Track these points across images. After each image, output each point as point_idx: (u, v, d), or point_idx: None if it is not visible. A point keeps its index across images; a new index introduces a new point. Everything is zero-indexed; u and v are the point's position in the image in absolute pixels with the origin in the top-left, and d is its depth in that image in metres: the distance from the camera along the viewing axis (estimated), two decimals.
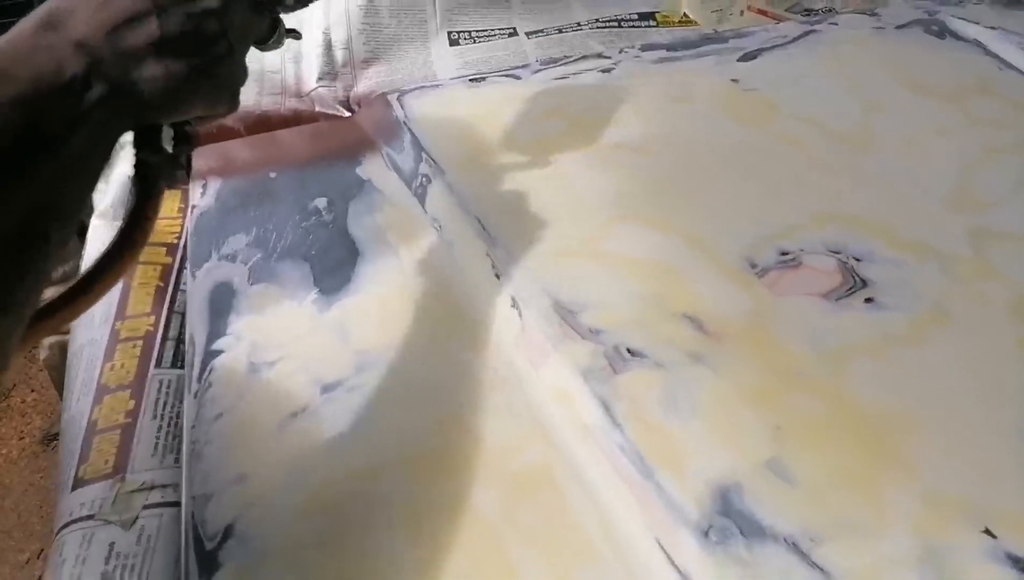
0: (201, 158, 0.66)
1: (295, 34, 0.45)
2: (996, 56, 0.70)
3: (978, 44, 0.72)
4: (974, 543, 0.35)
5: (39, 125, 0.28)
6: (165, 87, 0.33)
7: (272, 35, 0.43)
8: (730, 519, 0.36)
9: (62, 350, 0.63)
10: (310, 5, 0.44)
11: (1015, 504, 0.37)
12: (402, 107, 0.66)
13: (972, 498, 0.37)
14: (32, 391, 1.30)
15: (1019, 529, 0.35)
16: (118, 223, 0.57)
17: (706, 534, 0.35)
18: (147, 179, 0.36)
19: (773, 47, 0.72)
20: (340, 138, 0.67)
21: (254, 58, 0.70)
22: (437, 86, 0.70)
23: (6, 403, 1.29)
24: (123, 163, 0.64)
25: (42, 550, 1.07)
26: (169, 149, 0.36)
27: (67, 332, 0.53)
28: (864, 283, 0.48)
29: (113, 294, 0.51)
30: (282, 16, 0.43)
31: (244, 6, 0.38)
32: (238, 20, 0.37)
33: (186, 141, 0.38)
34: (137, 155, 0.35)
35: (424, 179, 0.59)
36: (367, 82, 0.73)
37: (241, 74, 0.39)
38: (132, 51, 0.31)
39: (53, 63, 0.29)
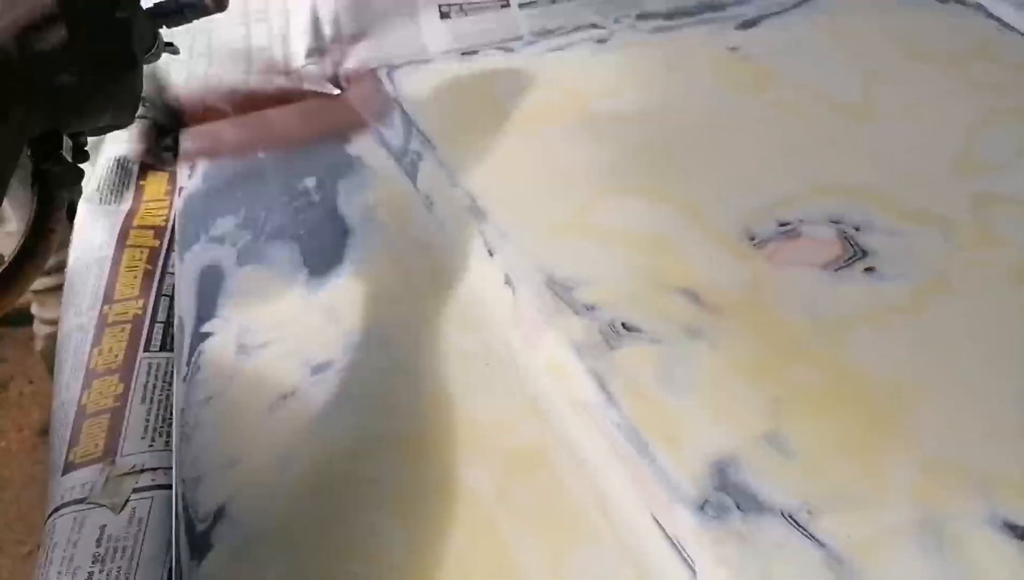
0: (189, 140, 0.65)
1: (172, 48, 0.45)
2: (997, 19, 0.69)
3: (979, 7, 0.70)
4: (973, 511, 0.34)
5: None
6: (80, 93, 0.33)
7: (152, 47, 0.43)
8: (727, 494, 0.35)
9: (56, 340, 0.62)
10: (194, 21, 0.44)
11: (1015, 472, 0.36)
12: (392, 83, 0.65)
13: (972, 466, 0.36)
14: (30, 382, 1.30)
15: (1017, 496, 0.35)
16: (105, 206, 0.57)
17: (702, 509, 0.35)
18: (49, 190, 0.35)
19: (772, 14, 0.70)
20: (329, 116, 0.66)
21: (239, 36, 0.69)
22: (428, 61, 0.68)
23: (4, 395, 1.29)
24: (111, 145, 0.63)
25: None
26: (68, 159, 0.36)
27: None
28: (864, 253, 0.47)
29: (100, 278, 0.50)
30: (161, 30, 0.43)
31: (143, 18, 0.39)
32: (138, 31, 0.37)
33: (82, 152, 0.38)
34: (38, 166, 0.34)
35: (415, 156, 0.58)
36: (356, 58, 0.71)
37: (141, 85, 0.39)
38: (44, 55, 0.31)
39: None
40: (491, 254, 0.49)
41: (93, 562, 0.37)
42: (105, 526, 0.38)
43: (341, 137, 0.62)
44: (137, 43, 0.37)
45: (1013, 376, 0.40)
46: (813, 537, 0.33)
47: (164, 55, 0.45)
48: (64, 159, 0.35)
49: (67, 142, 0.36)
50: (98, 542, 0.37)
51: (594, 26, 0.71)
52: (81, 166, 0.37)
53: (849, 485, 0.35)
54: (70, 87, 0.32)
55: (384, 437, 0.41)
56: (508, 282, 0.47)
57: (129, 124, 0.39)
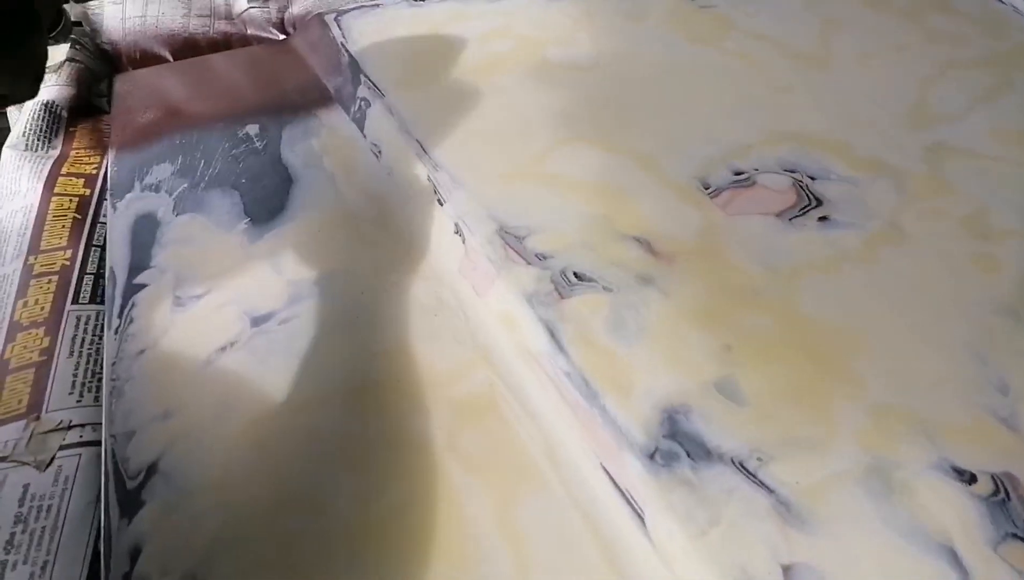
0: (124, 85, 0.61)
1: (80, 27, 0.41)
2: None
3: None
4: (921, 457, 0.34)
5: None
6: None
7: (58, 25, 0.39)
8: (676, 441, 0.35)
9: None
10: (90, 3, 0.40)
11: (961, 418, 0.36)
12: (340, 28, 0.62)
13: (920, 412, 0.36)
14: None
15: (964, 442, 0.35)
16: (32, 153, 0.54)
17: (651, 457, 0.34)
18: None
19: None
20: (274, 62, 0.63)
21: None
22: (377, 6, 0.65)
23: None
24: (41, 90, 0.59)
25: None
26: None
27: None
28: (819, 202, 0.46)
29: (26, 227, 0.48)
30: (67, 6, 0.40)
31: None
32: None
33: None
34: None
35: (363, 103, 0.55)
36: (302, 3, 0.68)
37: (43, 56, 0.35)
38: None
39: None
40: (441, 202, 0.47)
41: (15, 522, 0.35)
42: (28, 485, 0.36)
43: (286, 84, 0.59)
44: (40, 8, 0.33)
45: (962, 324, 0.40)
46: (762, 484, 0.33)
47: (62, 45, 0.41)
48: None
49: None
50: (20, 502, 0.35)
51: None
52: None
53: (798, 432, 0.35)
54: None
55: (329, 389, 0.39)
56: (458, 231, 0.45)
57: (28, 97, 0.35)
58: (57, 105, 0.58)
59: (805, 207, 0.46)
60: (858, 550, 0.31)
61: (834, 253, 0.43)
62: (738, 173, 0.48)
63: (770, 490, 0.33)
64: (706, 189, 0.47)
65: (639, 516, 0.33)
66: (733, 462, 0.34)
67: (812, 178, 0.48)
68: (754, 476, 0.33)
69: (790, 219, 0.45)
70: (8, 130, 0.32)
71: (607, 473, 0.35)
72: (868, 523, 0.32)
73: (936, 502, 0.33)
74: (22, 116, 0.57)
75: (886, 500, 0.33)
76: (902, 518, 0.32)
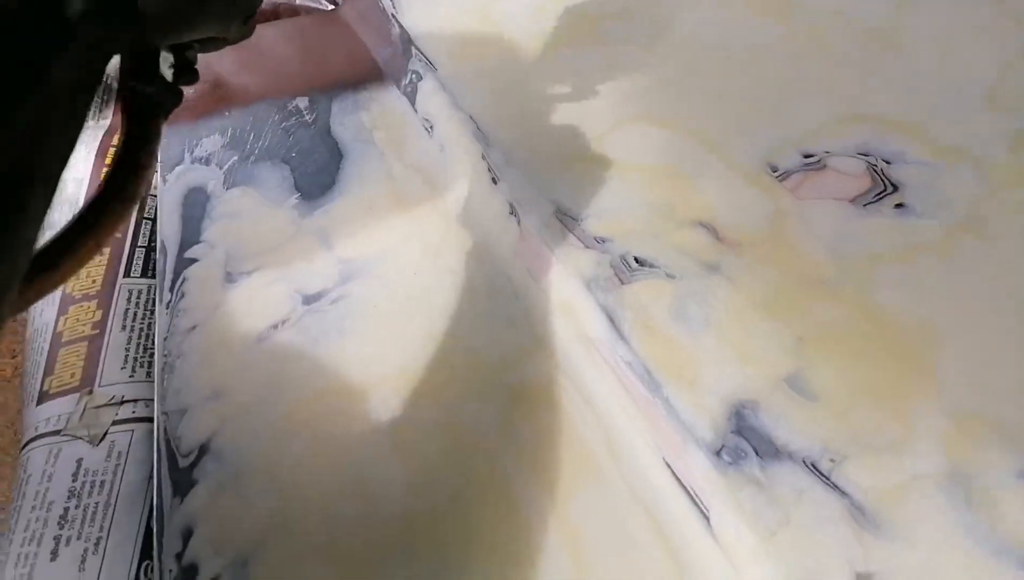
0: None
1: None
2: None
3: None
4: (1005, 464, 0.32)
5: (8, 48, 0.22)
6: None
7: None
8: (744, 438, 0.33)
9: None
10: None
11: None
12: None
13: (1003, 417, 0.34)
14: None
15: None
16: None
17: (718, 454, 0.32)
18: (142, 114, 0.27)
19: None
20: (324, 33, 0.62)
21: None
22: None
23: None
24: None
25: None
26: (168, 78, 0.29)
27: None
28: (895, 187, 0.44)
29: (76, 198, 0.47)
30: None
31: None
32: None
33: (187, 70, 0.31)
34: (129, 85, 0.27)
35: (414, 76, 0.54)
36: None
37: None
38: None
39: None
40: (495, 181, 0.45)
41: (69, 497, 0.35)
42: (82, 459, 0.36)
43: (335, 56, 0.58)
44: None
45: None
46: (835, 486, 0.31)
47: None
48: (161, 79, 0.28)
49: (167, 57, 0.30)
50: (74, 476, 0.35)
51: None
52: (181, 88, 0.30)
53: (874, 432, 0.33)
54: None
55: (380, 371, 0.38)
56: (513, 212, 0.44)
57: (242, 38, 0.32)
58: (108, 75, 0.57)
59: (880, 193, 0.43)
60: (939, 560, 0.30)
61: (911, 243, 0.41)
62: (808, 156, 0.46)
63: (843, 493, 0.31)
64: (774, 172, 0.45)
65: (704, 515, 0.32)
66: (804, 462, 0.32)
67: (887, 162, 0.45)
68: (827, 477, 0.32)
69: (864, 205, 0.43)
70: (181, 96, 0.29)
71: (670, 468, 0.34)
72: (949, 532, 0.30)
73: (1021, 513, 0.31)
74: None
75: (967, 509, 0.31)
76: (984, 529, 0.30)
